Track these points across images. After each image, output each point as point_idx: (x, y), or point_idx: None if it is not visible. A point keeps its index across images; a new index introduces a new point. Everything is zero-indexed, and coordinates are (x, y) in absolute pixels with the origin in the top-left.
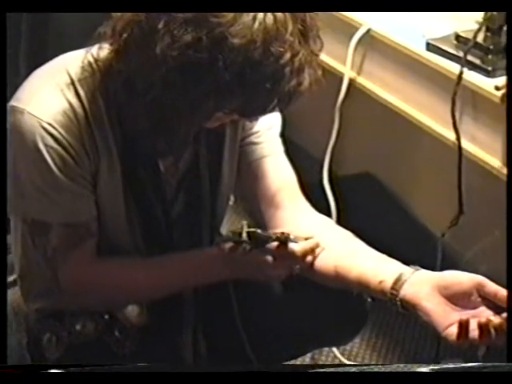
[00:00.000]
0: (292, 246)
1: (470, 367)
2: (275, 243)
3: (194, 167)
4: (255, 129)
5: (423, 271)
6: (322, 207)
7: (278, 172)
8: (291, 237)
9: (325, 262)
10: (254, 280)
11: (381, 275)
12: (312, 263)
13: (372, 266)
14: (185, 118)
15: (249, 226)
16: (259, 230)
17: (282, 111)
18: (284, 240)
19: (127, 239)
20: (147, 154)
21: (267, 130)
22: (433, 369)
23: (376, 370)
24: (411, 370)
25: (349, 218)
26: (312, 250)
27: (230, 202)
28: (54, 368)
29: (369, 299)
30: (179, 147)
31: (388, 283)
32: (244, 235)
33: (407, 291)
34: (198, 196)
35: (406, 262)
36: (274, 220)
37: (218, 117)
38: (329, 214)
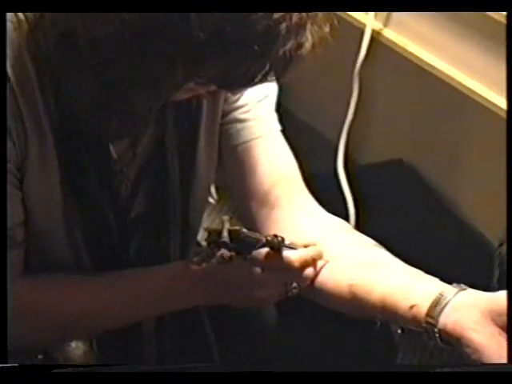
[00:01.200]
0: (287, 254)
1: (470, 367)
2: (264, 250)
3: (158, 154)
4: (242, 101)
5: (471, 291)
6: (335, 207)
7: (273, 159)
8: (286, 242)
9: (335, 278)
10: (236, 306)
11: (413, 297)
12: (313, 278)
13: (401, 285)
14: (144, 90)
15: (231, 225)
16: (245, 230)
17: (277, 81)
18: (277, 245)
19: (66, 252)
20: (93, 136)
21: (258, 102)
22: (433, 369)
23: (376, 370)
24: (411, 370)
25: (371, 220)
26: (313, 261)
27: (212, 201)
28: (54, 368)
29: (398, 331)
30: (137, 127)
31: (422, 308)
32: (224, 234)
33: (449, 319)
34: (164, 193)
35: (449, 280)
36: (267, 223)
37: (190, 87)
38: (345, 216)
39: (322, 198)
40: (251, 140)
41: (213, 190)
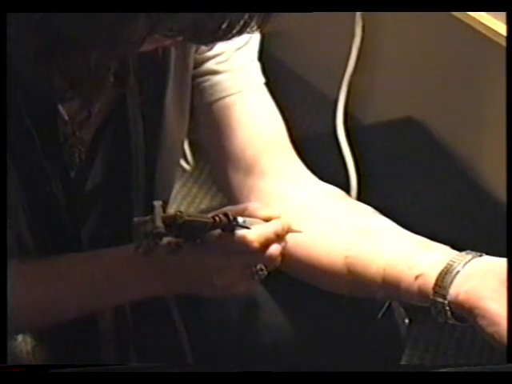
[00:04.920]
0: (243, 233)
1: (470, 367)
2: (217, 232)
3: (117, 114)
4: (217, 49)
5: (486, 258)
6: (334, 173)
7: (256, 119)
8: (240, 220)
9: (328, 251)
10: (202, 296)
11: (419, 266)
12: (281, 259)
13: (404, 253)
14: (97, 43)
15: (163, 208)
16: (184, 214)
17: (259, 32)
18: (228, 225)
19: (8, 233)
20: (38, 95)
21: (237, 50)
22: (433, 369)
23: (376, 370)
24: (411, 371)
25: (375, 187)
26: (278, 237)
27: (186, 167)
28: (54, 368)
29: (406, 320)
30: (91, 84)
31: (430, 277)
32: (158, 223)
33: (461, 288)
34: (125, 159)
35: (461, 249)
36: (251, 193)
37: (155, 39)
38: (346, 184)
39: (319, 163)
40: (229, 96)
41: (188, 154)
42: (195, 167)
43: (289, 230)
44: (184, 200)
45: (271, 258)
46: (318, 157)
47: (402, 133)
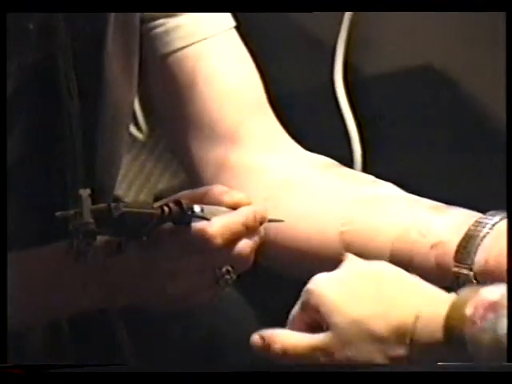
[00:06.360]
0: (202, 226)
1: (469, 367)
2: (167, 226)
3: (43, 71)
4: None
5: None
6: (331, 139)
7: (225, 74)
8: (197, 209)
9: (316, 230)
10: (150, 308)
11: (434, 233)
12: (255, 258)
13: (416, 221)
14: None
15: (91, 197)
16: (122, 205)
17: None
18: (178, 217)
19: None
20: None
21: None
22: (433, 369)
23: (376, 369)
24: (412, 370)
25: (383, 154)
26: (248, 229)
27: (137, 134)
28: (54, 368)
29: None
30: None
31: (450, 245)
32: (86, 219)
33: (491, 252)
34: (54, 130)
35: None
36: (221, 169)
37: None
38: (348, 154)
39: (311, 127)
40: (190, 45)
41: (140, 118)
42: (149, 135)
43: (263, 220)
44: (136, 179)
45: (240, 258)
46: (311, 118)
47: (417, 85)
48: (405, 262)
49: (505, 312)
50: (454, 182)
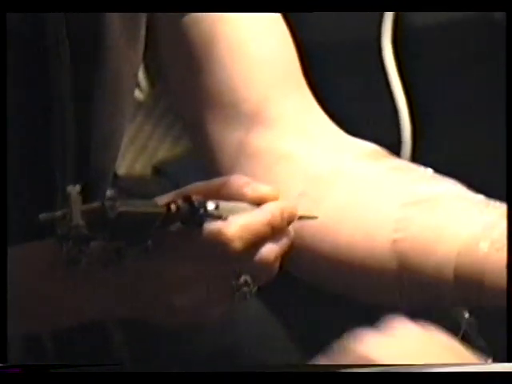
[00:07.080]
0: (217, 227)
1: (469, 367)
2: (174, 228)
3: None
4: None
5: None
6: (379, 116)
7: (254, 40)
8: (210, 207)
9: (363, 236)
10: (152, 321)
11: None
12: (280, 266)
13: (486, 228)
14: None
15: (82, 195)
16: (121, 202)
17: None
18: (188, 216)
19: None
20: None
21: None
22: (433, 369)
23: (377, 370)
24: (411, 371)
25: (439, 134)
26: (274, 232)
27: (137, 94)
28: (54, 368)
29: (466, 314)
30: None
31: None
32: (76, 221)
33: None
34: (41, 104)
35: None
36: (238, 155)
37: None
38: (396, 132)
39: (353, 103)
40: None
41: (141, 75)
42: (148, 92)
43: (292, 218)
44: (131, 144)
45: (262, 266)
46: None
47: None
48: (473, 280)
49: None
50: None
